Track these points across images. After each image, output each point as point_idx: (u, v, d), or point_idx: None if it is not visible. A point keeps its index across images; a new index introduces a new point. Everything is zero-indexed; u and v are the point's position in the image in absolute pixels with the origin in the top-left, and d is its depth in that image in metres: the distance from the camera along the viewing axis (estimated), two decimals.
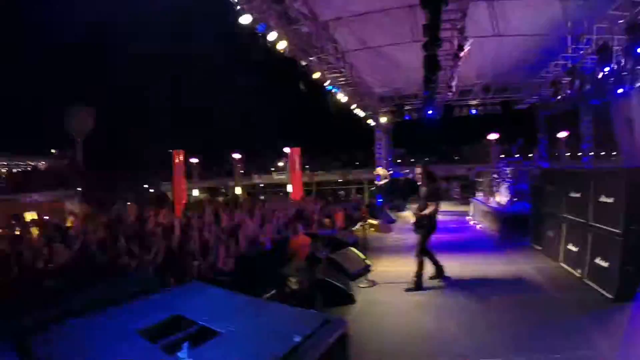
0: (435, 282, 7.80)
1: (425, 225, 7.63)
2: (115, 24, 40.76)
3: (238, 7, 9.90)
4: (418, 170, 8.04)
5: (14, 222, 22.45)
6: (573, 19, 12.38)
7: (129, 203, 22.35)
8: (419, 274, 7.51)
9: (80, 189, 35.50)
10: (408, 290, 7.36)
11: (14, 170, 36.37)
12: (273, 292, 7.40)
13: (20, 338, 2.33)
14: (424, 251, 7.62)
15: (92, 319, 2.56)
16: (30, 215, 29.01)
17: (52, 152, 41.32)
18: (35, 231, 16.44)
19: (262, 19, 10.54)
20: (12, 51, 41.52)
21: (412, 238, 8.76)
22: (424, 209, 7.62)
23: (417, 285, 7.41)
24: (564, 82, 15.94)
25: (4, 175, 32.63)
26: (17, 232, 14.87)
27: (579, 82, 14.18)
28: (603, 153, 29.71)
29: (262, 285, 7.99)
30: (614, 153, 28.33)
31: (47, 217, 22.80)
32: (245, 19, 9.97)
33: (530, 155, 15.44)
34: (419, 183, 8.00)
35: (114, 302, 2.86)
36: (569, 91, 15.66)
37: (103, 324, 2.49)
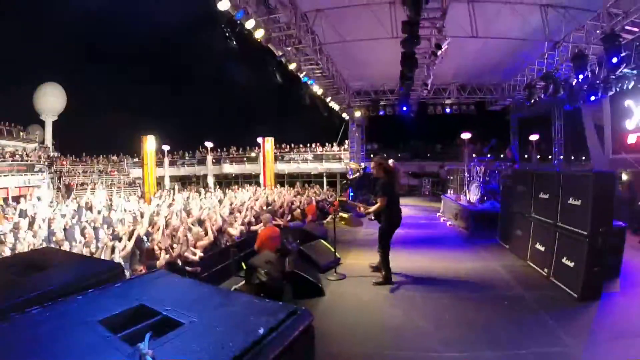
0: (403, 277, 7.82)
1: (383, 219, 7.54)
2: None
3: None
4: (372, 163, 7.97)
5: None
6: (551, 26, 12.56)
7: (101, 188, 22.02)
8: (385, 268, 7.50)
9: (49, 175, 34.71)
10: (377, 284, 7.35)
11: None
12: (242, 283, 7.36)
13: None
14: (386, 246, 7.53)
15: (54, 308, 2.47)
16: None
17: (21, 135, 40.04)
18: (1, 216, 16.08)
19: (241, 6, 10.40)
20: None
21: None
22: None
23: (385, 279, 7.40)
24: (538, 86, 16.20)
25: None
26: None
27: (553, 87, 14.41)
28: (573, 157, 30.31)
29: (230, 276, 7.96)
30: (584, 158, 28.98)
31: (14, 203, 22.32)
32: (224, 5, 9.81)
33: (501, 155, 15.60)
34: (373, 176, 7.93)
35: (78, 290, 2.78)
36: (542, 95, 15.91)
37: (65, 314, 2.40)
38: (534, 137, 26.86)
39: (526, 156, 28.67)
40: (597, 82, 14.13)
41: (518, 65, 17.40)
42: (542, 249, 7.94)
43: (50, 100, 42.94)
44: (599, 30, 11.74)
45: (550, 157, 24.06)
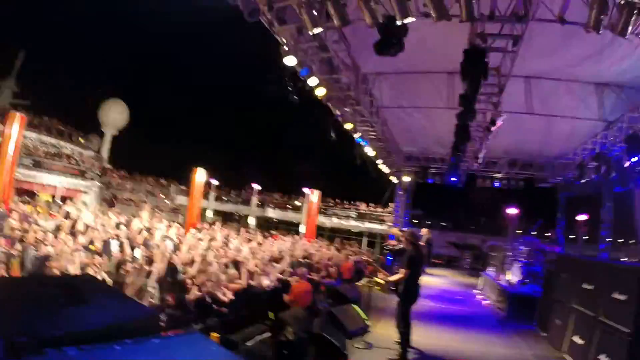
0: (431, 356, 7.64)
1: (402, 292, 7.50)
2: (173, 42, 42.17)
3: (285, 48, 10.09)
4: (401, 237, 8.01)
5: (27, 198, 22.79)
6: (606, 105, 12.43)
7: (141, 209, 22.49)
8: (402, 346, 7.35)
9: (98, 184, 35.89)
10: None
11: (40, 149, 36.86)
12: (267, 335, 7.32)
13: (15, 351, 2.33)
14: (403, 319, 7.44)
15: (91, 355, 2.55)
16: (45, 196, 29.50)
17: (81, 141, 41.93)
18: (44, 211, 16.65)
19: (306, 63, 10.72)
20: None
21: (418, 305, 8.66)
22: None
23: (401, 356, 7.25)
24: (590, 166, 15.89)
25: (30, 152, 32.91)
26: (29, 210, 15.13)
27: (605, 168, 14.13)
28: (621, 240, 29.23)
29: (257, 325, 7.93)
30: (632, 241, 27.89)
31: (60, 202, 23.08)
32: (290, 61, 10.13)
33: (547, 235, 15.21)
34: (401, 247, 7.94)
35: (111, 334, 2.86)
36: (593, 176, 15.60)
37: None
38: (581, 218, 26.16)
39: (572, 237, 27.84)
40: None
41: (570, 144, 17.15)
42: (581, 342, 7.58)
43: (113, 115, 45.28)
44: None
45: (598, 239, 23.29)
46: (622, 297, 6.48)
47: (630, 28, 6.74)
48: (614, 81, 11.73)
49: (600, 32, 6.91)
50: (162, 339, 3.20)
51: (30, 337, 2.60)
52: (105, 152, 44.68)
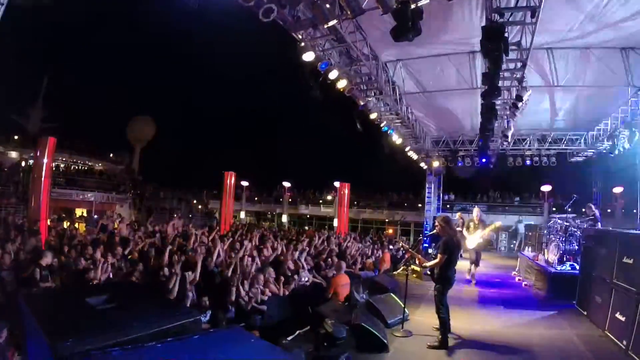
0: (472, 340, 7.62)
1: (438, 278, 7.47)
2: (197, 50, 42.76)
3: (302, 44, 10.13)
4: (436, 222, 7.96)
5: (64, 215, 23.49)
6: (633, 70, 12.04)
7: (175, 216, 22.88)
8: (442, 331, 7.35)
9: (131, 195, 36.73)
10: (431, 347, 7.17)
11: (72, 167, 38.03)
12: (307, 328, 7.41)
13: (64, 358, 2.42)
14: (441, 305, 7.39)
15: (135, 354, 2.63)
16: (80, 211, 30.42)
17: (110, 156, 43.36)
18: (82, 227, 17.13)
19: (324, 57, 10.74)
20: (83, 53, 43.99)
21: (455, 290, 8.63)
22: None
23: (441, 342, 7.22)
24: (622, 135, 15.45)
25: (62, 170, 34.19)
26: (65, 226, 15.57)
27: (637, 136, 13.74)
28: None
29: (297, 320, 8.02)
30: None
31: (96, 216, 23.68)
32: (308, 56, 10.17)
33: (583, 210, 14.88)
34: (437, 233, 7.90)
35: (155, 335, 2.95)
36: (627, 145, 15.17)
37: None
38: (618, 190, 25.51)
39: (609, 211, 27.18)
40: None
41: (600, 114, 16.68)
42: (623, 319, 7.38)
43: (140, 129, 46.24)
44: None
45: (635, 211, 22.71)
46: None
47: None
48: (638, 43, 11.36)
49: None
50: (202, 336, 3.28)
51: (75, 342, 2.70)
52: (135, 165, 45.88)
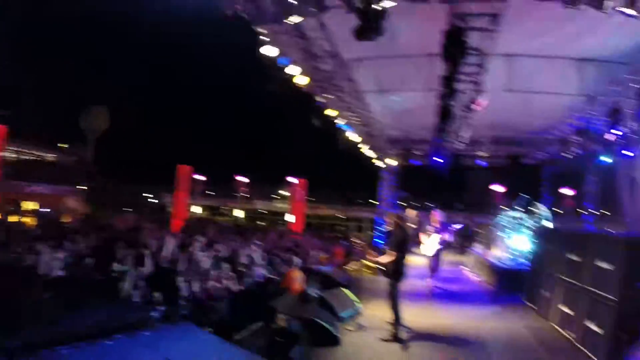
0: (424, 333, 7.76)
1: (391, 273, 7.63)
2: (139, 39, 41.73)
3: (264, 38, 10.04)
4: (388, 219, 8.14)
5: (12, 208, 22.65)
6: (587, 80, 12.51)
7: (128, 210, 22.44)
8: (396, 325, 7.48)
9: (84, 188, 35.67)
10: (384, 340, 7.33)
11: (22, 158, 36.64)
12: (260, 324, 7.38)
13: (10, 356, 2.34)
14: (394, 299, 7.57)
15: (84, 352, 2.57)
16: (30, 205, 29.33)
17: (63, 147, 41.87)
18: (31, 221, 16.57)
19: (285, 52, 10.67)
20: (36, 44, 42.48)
21: (408, 284, 8.77)
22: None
23: (394, 336, 7.38)
24: (572, 140, 16.05)
25: (11, 162, 32.76)
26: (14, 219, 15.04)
27: (587, 142, 14.28)
28: (607, 213, 29.67)
29: (249, 316, 7.98)
30: (617, 214, 28.31)
31: (47, 210, 22.97)
32: (269, 51, 10.09)
33: (532, 210, 15.41)
34: (388, 230, 8.10)
35: (105, 331, 2.88)
36: (577, 150, 15.75)
37: (94, 358, 2.50)
38: (566, 192, 26.53)
39: (558, 211, 28.22)
40: (633, 137, 13.94)
41: (553, 120, 17.26)
42: (569, 312, 7.84)
43: (94, 119, 44.83)
44: (636, 84, 11.69)
45: (582, 211, 23.61)
46: (607, 266, 6.68)
47: (608, 3, 6.83)
48: (594, 56, 11.78)
49: (578, 7, 7.01)
50: (153, 332, 3.23)
51: (23, 341, 2.63)
52: (88, 157, 44.43)
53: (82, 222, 14.38)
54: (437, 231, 12.11)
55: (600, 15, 7.74)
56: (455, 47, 8.62)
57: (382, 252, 9.44)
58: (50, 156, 39.44)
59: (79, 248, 10.20)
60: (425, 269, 12.42)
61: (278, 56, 10.34)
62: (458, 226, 13.45)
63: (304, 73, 11.32)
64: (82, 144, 44.99)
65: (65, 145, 42.55)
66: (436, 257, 12.20)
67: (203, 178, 38.75)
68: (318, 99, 13.37)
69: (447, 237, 12.33)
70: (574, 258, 7.98)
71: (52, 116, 39.93)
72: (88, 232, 12.18)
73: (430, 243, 12.09)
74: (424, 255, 12.36)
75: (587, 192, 20.97)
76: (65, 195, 32.93)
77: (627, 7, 6.85)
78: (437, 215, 12.45)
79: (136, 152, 46.59)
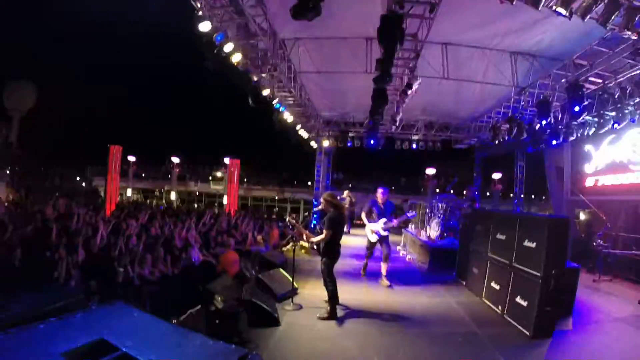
0: (360, 310, 7.93)
1: (324, 252, 7.79)
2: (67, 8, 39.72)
3: (199, 13, 9.81)
4: (321, 198, 8.24)
5: None
6: (519, 72, 13.07)
7: (57, 195, 21.48)
8: (332, 303, 7.61)
9: (9, 172, 33.84)
10: (321, 318, 7.43)
11: None
12: (198, 307, 7.30)
13: None
14: (329, 278, 7.72)
15: (16, 336, 2.48)
16: None
17: None
18: None
19: (221, 29, 10.47)
20: None
21: (343, 263, 8.91)
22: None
23: (330, 314, 7.50)
24: (503, 128, 16.71)
25: None
26: None
27: (517, 130, 14.88)
28: (533, 196, 31.22)
29: (187, 300, 7.89)
30: (544, 197, 29.83)
31: None
32: (205, 26, 9.85)
33: (464, 192, 15.97)
34: (322, 210, 8.18)
35: (38, 316, 2.80)
36: (507, 137, 16.40)
37: (28, 343, 2.42)
38: (496, 176, 27.66)
39: (488, 194, 29.41)
40: (560, 127, 14.71)
41: (485, 107, 17.96)
42: (497, 287, 8.28)
43: (20, 96, 42.21)
44: (565, 79, 12.40)
45: (511, 195, 24.66)
46: (532, 245, 7.12)
47: (543, 1, 7.12)
48: (527, 51, 12.32)
49: (513, 3, 7.25)
50: (85, 313, 3.15)
51: None
52: (13, 138, 41.96)
53: (9, 209, 13.65)
54: (382, 214, 10.52)
55: (536, 13, 8.09)
56: (391, 33, 8.70)
57: (316, 232, 9.53)
58: None
59: (9, 237, 9.73)
60: (362, 247, 12.39)
61: (212, 32, 10.12)
62: (411, 214, 12.30)
63: (238, 50, 11.13)
64: (5, 123, 42.48)
65: None
66: (385, 243, 10.54)
67: (134, 159, 37.46)
68: (253, 77, 13.20)
69: (394, 223, 10.51)
70: (502, 237, 8.40)
71: None
72: (17, 220, 11.56)
73: (374, 227, 10.54)
74: (370, 242, 10.72)
75: (516, 177, 21.98)
76: None
77: (561, 7, 7.14)
78: (382, 194, 10.74)
79: (64, 132, 44.55)
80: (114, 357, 2.36)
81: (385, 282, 10.22)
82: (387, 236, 10.55)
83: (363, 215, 10.86)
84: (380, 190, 10.83)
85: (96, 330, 2.62)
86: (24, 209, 14.29)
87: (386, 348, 6.14)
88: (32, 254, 8.38)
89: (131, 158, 36.57)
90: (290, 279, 8.79)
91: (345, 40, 12.65)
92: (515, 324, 7.15)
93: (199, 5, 9.66)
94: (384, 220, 10.40)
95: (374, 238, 10.57)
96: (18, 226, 10.71)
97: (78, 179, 40.83)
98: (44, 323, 2.71)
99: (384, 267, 10.39)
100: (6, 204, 16.15)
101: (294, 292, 8.58)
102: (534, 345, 6.33)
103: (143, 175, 40.99)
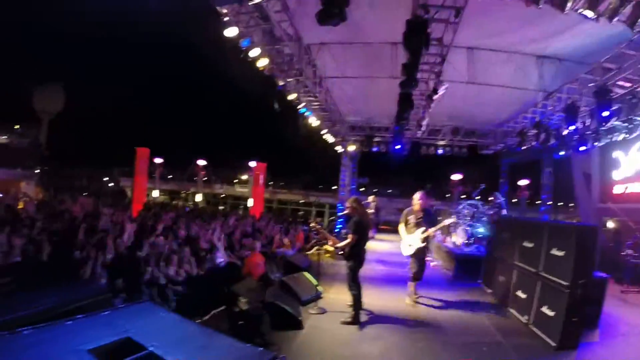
0: (384, 316, 7.89)
1: (350, 256, 7.74)
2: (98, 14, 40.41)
3: (225, 19, 9.91)
4: (347, 203, 8.20)
5: None
6: (546, 76, 12.86)
7: (84, 195, 21.85)
8: (355, 308, 7.61)
9: (38, 172, 34.56)
10: (345, 323, 7.43)
11: None
12: (222, 308, 7.37)
13: None
14: (353, 283, 7.69)
15: (44, 331, 2.54)
16: None
17: (15, 128, 40.34)
18: None
19: (247, 34, 10.56)
20: None
21: (367, 269, 8.89)
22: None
23: (353, 318, 7.51)
24: (530, 134, 16.48)
25: None
26: None
27: (544, 135, 14.66)
28: (561, 204, 30.68)
29: (211, 300, 7.96)
30: (571, 205, 29.29)
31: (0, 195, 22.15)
32: (231, 32, 9.95)
33: (490, 199, 15.79)
34: (348, 214, 8.16)
35: (65, 313, 2.85)
36: (534, 143, 16.18)
37: (55, 338, 2.47)
38: (523, 182, 27.21)
39: (515, 200, 28.98)
40: (588, 132, 14.42)
41: (512, 113, 17.74)
42: (524, 296, 8.11)
43: (49, 99, 43.21)
44: (592, 83, 12.09)
45: (538, 202, 24.26)
46: (560, 253, 6.96)
47: (569, 4, 7.02)
48: (554, 54, 12.12)
49: (539, 6, 7.17)
50: (112, 311, 3.20)
51: None
52: (42, 139, 42.92)
53: (38, 208, 13.93)
54: (420, 223, 9.07)
55: (563, 17, 7.99)
56: (417, 37, 8.67)
57: (341, 237, 9.51)
58: (2, 138, 38.03)
59: (37, 234, 9.93)
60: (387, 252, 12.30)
61: (238, 37, 10.22)
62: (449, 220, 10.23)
63: (264, 55, 11.22)
64: (35, 125, 43.39)
65: (18, 127, 40.92)
66: (419, 259, 9.17)
67: (161, 161, 37.89)
68: (279, 82, 13.27)
69: (431, 231, 9.09)
70: (529, 245, 8.25)
71: (4, 96, 38.32)
72: (46, 218, 11.81)
73: (410, 239, 9.12)
74: (405, 256, 9.36)
75: (543, 184, 21.62)
76: (19, 180, 31.91)
77: (588, 10, 7.05)
78: (421, 200, 9.23)
79: (92, 134, 45.28)
80: (140, 356, 2.39)
81: (410, 300, 9.07)
82: (423, 249, 9.12)
83: (401, 228, 9.31)
84: (417, 196, 9.29)
85: (123, 329, 2.66)
86: (52, 208, 14.55)
87: (409, 355, 6.11)
88: (59, 251, 8.56)
89: (158, 160, 37.01)
90: (315, 282, 8.81)
91: (371, 45, 12.65)
92: (540, 334, 7.01)
93: (224, 11, 9.74)
94: (421, 229, 8.94)
95: (407, 252, 9.17)
96: (46, 223, 10.97)
97: (105, 179, 41.40)
98: (72, 319, 2.77)
99: (411, 286, 9.18)
100: (35, 202, 16.49)
101: (318, 295, 8.60)
102: (559, 356, 6.22)
103: (169, 177, 41.43)
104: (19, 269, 4.56)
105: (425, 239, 9.00)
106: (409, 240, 9.12)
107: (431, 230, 9.03)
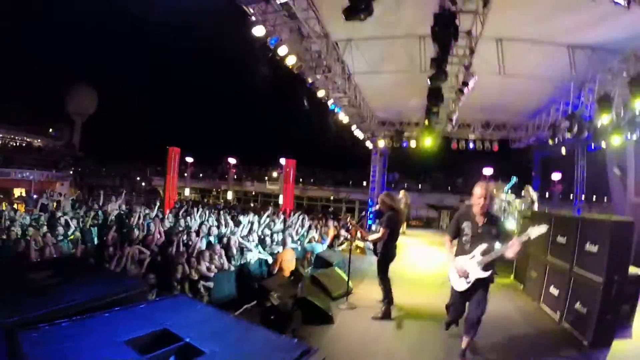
0: (413, 312, 7.88)
1: (380, 251, 7.71)
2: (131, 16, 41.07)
3: (252, 18, 9.99)
4: (379, 199, 8.19)
5: (1, 196, 22.53)
6: (578, 66, 12.57)
7: (119, 194, 22.29)
8: (386, 303, 7.61)
9: (72, 172, 35.47)
10: (375, 319, 7.43)
11: (10, 145, 36.35)
12: (253, 303, 7.47)
13: (9, 331, 2.39)
14: (384, 278, 7.68)
15: (82, 323, 2.62)
16: (18, 191, 29.17)
17: (50, 131, 41.47)
18: (21, 208, 16.49)
19: (275, 33, 10.63)
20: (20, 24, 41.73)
21: (397, 265, 8.87)
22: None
23: (384, 314, 7.51)
24: (563, 126, 16.14)
25: None
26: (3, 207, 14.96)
27: (577, 127, 14.36)
28: (595, 198, 30.04)
29: (243, 296, 8.07)
30: (605, 199, 28.67)
31: (35, 196, 22.79)
32: (258, 31, 10.04)
33: (522, 193, 15.59)
34: (380, 209, 8.14)
35: (101, 306, 2.94)
36: (567, 135, 15.86)
37: (92, 330, 2.55)
38: (556, 176, 26.76)
39: (547, 195, 28.49)
40: (622, 124, 14.05)
41: (543, 104, 17.38)
42: (556, 292, 7.96)
43: (82, 101, 44.20)
44: (626, 72, 11.76)
45: (571, 196, 23.82)
46: (593, 249, 6.79)
47: None
48: (585, 43, 11.82)
49: None
50: (148, 304, 3.28)
51: (22, 317, 2.67)
52: (76, 140, 44.03)
53: (72, 206, 14.30)
54: (480, 236, 5.56)
55: (594, 6, 7.81)
56: (445, 30, 8.61)
57: (372, 232, 9.52)
58: (37, 141, 39.13)
59: (72, 231, 10.23)
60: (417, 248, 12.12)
61: (266, 36, 10.29)
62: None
63: (292, 53, 11.27)
64: (69, 127, 44.51)
65: (51, 130, 42.03)
66: (479, 294, 5.65)
67: (192, 160, 38.50)
68: (308, 79, 13.32)
69: (514, 246, 5.38)
70: (562, 240, 8.10)
71: (38, 99, 39.32)
72: (80, 216, 12.14)
73: (465, 264, 5.59)
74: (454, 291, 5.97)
75: (576, 178, 21.20)
76: (54, 181, 32.76)
77: None
78: (482, 200, 5.50)
79: (124, 135, 46.09)
80: (177, 347, 2.45)
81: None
82: (486, 280, 5.61)
83: (447, 240, 6.02)
84: (478, 191, 5.51)
85: (159, 321, 2.73)
86: (87, 206, 14.92)
87: (438, 352, 6.09)
88: (94, 247, 8.81)
89: (189, 159, 37.58)
90: (346, 278, 8.84)
91: (399, 40, 12.58)
92: (573, 331, 6.88)
93: (251, 10, 9.82)
94: (483, 247, 5.47)
95: (460, 286, 5.70)
96: (81, 221, 11.28)
97: (138, 178, 42.11)
98: (108, 312, 2.85)
99: (465, 341, 5.80)
100: (70, 201, 16.94)
101: (348, 291, 8.63)
102: (592, 354, 6.09)
103: (201, 175, 41.94)
104: (54, 263, 4.71)
105: (490, 265, 5.51)
106: (463, 263, 5.58)
107: (513, 249, 5.36)
